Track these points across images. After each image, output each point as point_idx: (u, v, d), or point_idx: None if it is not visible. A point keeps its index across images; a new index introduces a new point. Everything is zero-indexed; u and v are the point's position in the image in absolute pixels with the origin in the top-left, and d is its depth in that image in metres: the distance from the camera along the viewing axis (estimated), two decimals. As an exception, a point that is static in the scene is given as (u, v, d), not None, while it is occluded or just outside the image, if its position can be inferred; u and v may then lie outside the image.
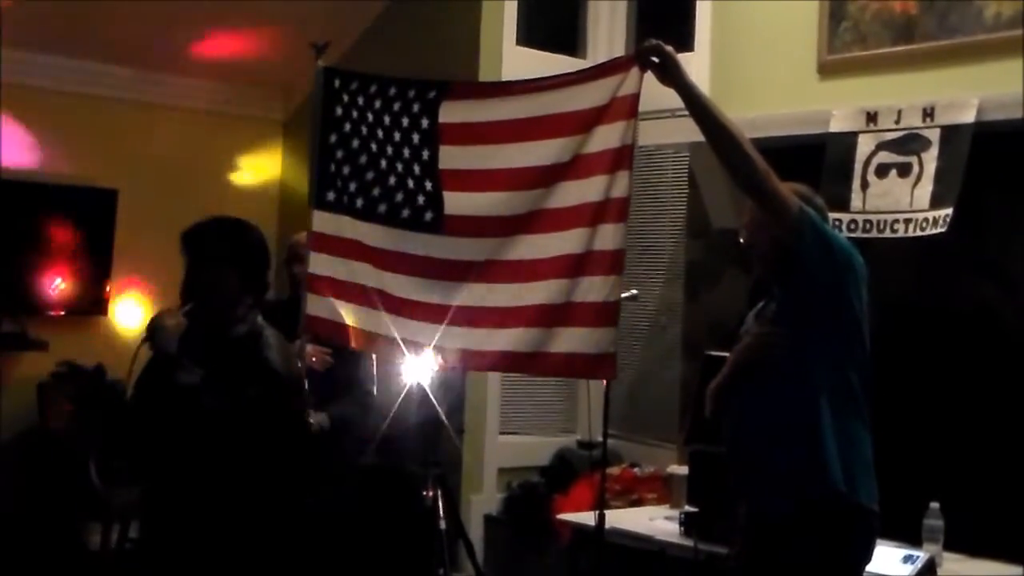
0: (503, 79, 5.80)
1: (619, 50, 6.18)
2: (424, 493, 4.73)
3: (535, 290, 3.47)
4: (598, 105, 3.34)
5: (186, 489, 3.16)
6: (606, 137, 3.33)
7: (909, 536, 4.06)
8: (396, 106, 3.68)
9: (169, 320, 3.21)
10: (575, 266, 3.38)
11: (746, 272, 3.51)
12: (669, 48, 3.19)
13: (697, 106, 3.15)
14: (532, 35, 6.27)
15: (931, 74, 4.63)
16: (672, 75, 3.17)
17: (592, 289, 3.35)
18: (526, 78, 3.65)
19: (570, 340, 3.40)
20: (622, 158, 3.31)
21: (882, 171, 4.52)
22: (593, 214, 3.34)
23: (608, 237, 3.33)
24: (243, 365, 3.20)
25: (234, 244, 3.31)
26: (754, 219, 3.31)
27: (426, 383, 4.42)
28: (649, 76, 3.25)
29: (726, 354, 3.45)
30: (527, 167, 3.48)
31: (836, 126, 4.68)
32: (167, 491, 3.22)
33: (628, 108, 3.30)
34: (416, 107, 3.65)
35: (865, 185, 4.55)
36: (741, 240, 3.38)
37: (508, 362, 3.67)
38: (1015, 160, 4.31)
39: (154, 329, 3.20)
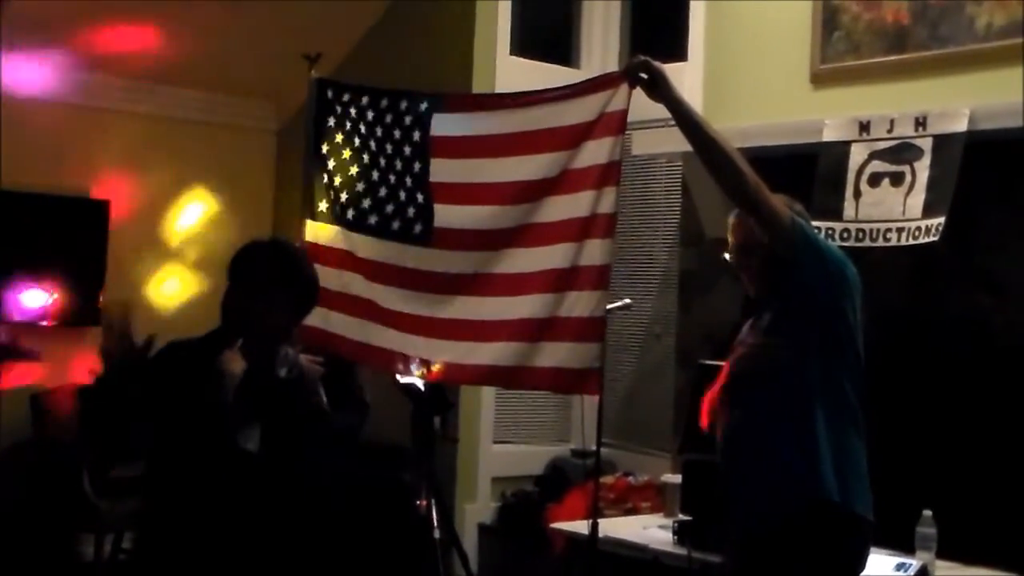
0: (496, 89, 5.82)
1: (612, 60, 6.20)
2: (418, 502, 4.72)
3: (521, 304, 3.46)
4: (587, 120, 3.35)
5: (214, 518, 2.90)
6: (594, 153, 3.34)
7: (902, 544, 4.06)
8: (388, 118, 3.69)
9: (236, 365, 2.83)
10: (561, 281, 3.38)
11: (739, 282, 3.52)
12: (658, 64, 3.20)
13: (686, 121, 3.16)
14: (526, 45, 6.27)
15: (923, 84, 4.64)
16: (661, 90, 3.18)
17: (578, 304, 3.35)
18: (517, 91, 3.66)
19: (555, 354, 3.39)
20: (610, 174, 3.32)
21: (875, 180, 4.53)
22: (580, 229, 3.34)
23: (595, 252, 3.33)
24: (296, 414, 2.96)
25: (296, 276, 2.99)
26: (741, 243, 3.30)
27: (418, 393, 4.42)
28: (642, 85, 3.26)
29: (720, 363, 3.45)
30: (516, 181, 3.49)
31: (829, 135, 4.69)
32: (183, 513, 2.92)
33: (616, 124, 3.31)
34: (408, 119, 3.66)
35: (858, 194, 4.56)
36: (728, 258, 3.38)
37: (493, 375, 3.66)
38: (1007, 169, 4.32)
39: (219, 375, 2.82)
